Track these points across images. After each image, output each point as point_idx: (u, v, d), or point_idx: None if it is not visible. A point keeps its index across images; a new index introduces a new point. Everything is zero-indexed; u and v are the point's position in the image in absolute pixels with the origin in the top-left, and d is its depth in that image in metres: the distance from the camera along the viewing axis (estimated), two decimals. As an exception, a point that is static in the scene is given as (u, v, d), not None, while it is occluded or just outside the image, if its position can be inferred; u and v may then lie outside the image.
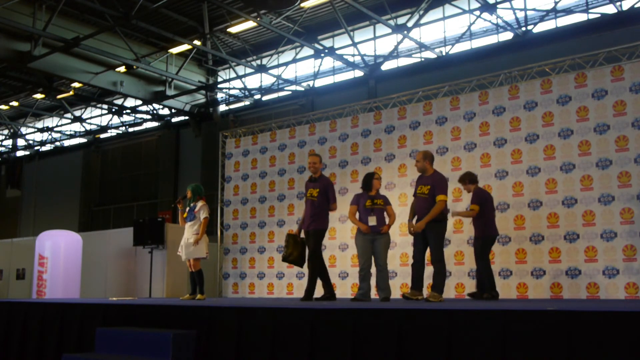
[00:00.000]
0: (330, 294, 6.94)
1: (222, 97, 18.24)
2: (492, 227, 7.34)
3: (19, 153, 25.00)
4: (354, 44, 14.37)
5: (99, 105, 20.53)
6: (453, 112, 8.96)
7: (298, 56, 16.01)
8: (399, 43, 14.21)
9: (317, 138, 10.38)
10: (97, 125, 21.70)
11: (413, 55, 14.60)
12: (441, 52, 13.95)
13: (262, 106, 17.22)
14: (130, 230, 11.20)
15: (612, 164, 7.58)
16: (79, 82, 15.76)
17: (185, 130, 19.23)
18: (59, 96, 18.96)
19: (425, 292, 6.67)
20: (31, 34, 13.69)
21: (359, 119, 9.96)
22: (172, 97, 17.43)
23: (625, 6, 11.74)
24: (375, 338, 4.05)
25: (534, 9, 12.87)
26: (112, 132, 21.72)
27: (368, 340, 4.07)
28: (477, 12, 13.19)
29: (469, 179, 7.53)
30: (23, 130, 23.86)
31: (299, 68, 16.81)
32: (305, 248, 7.08)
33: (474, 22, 13.48)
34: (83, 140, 22.69)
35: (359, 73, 15.17)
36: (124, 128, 21.19)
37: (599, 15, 11.99)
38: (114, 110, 20.29)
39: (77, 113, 21.34)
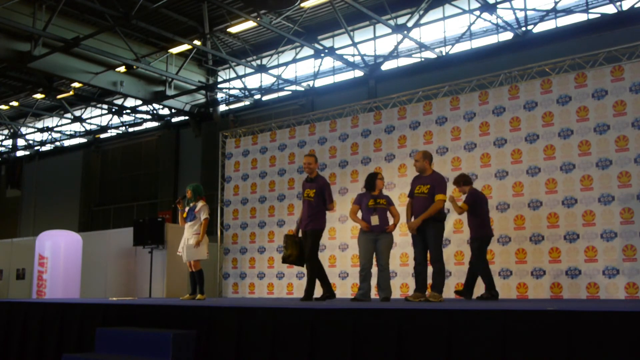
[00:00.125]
0: (330, 293, 6.95)
1: (222, 97, 18.24)
2: (487, 227, 7.36)
3: (19, 153, 25.00)
4: (354, 44, 14.37)
5: (99, 105, 20.53)
6: (453, 112, 8.96)
7: (298, 56, 16.01)
8: (399, 43, 14.21)
9: (317, 138, 10.38)
10: (97, 125, 21.70)
11: (413, 55, 14.60)
12: (441, 52, 13.95)
13: (262, 106, 17.22)
14: (130, 230, 11.20)
15: (612, 164, 7.58)
16: (79, 82, 15.76)
17: (185, 130, 19.23)
18: (59, 96, 18.95)
19: (426, 292, 6.67)
20: (31, 34, 13.69)
21: (359, 119, 9.96)
22: (172, 97, 17.43)
23: (625, 6, 11.74)
24: (375, 338, 4.05)
25: (534, 9, 12.87)
26: (112, 132, 21.72)
27: (368, 340, 4.07)
28: (477, 12, 13.19)
29: (463, 181, 7.55)
30: (23, 130, 23.86)
31: (299, 68, 16.81)
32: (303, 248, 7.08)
33: (474, 22, 13.47)
34: (83, 140, 22.69)
35: (359, 73, 15.17)
36: (124, 128, 21.18)
37: (599, 15, 11.98)
38: (114, 110, 20.29)
39: (77, 113, 21.34)
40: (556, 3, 12.42)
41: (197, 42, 15.21)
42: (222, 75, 18.34)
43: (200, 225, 8.09)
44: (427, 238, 6.31)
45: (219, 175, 11.66)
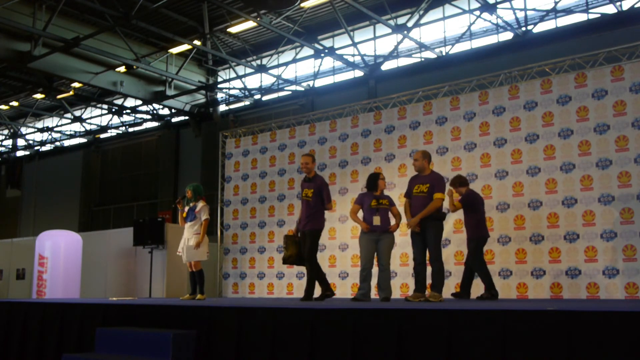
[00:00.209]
0: (329, 291, 6.95)
1: (222, 97, 18.24)
2: (483, 228, 7.38)
3: (19, 153, 25.00)
4: (354, 44, 14.37)
5: (99, 105, 20.53)
6: (453, 112, 8.96)
7: (298, 56, 16.00)
8: (399, 43, 14.21)
9: (317, 138, 10.38)
10: (97, 125, 21.70)
11: (413, 55, 14.60)
12: (441, 52, 13.95)
13: (262, 106, 17.22)
14: (130, 230, 11.20)
15: (612, 164, 7.58)
16: (79, 82, 15.76)
17: (185, 130, 19.23)
18: (59, 96, 18.95)
19: (426, 292, 6.67)
20: (31, 34, 13.68)
21: (359, 119, 9.95)
22: (172, 97, 17.42)
23: (625, 6, 11.73)
24: (375, 338, 4.05)
25: (534, 9, 12.87)
26: (112, 132, 21.71)
27: (368, 340, 4.07)
28: (477, 12, 13.19)
29: (459, 182, 7.57)
30: (23, 130, 23.85)
31: (299, 68, 16.81)
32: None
33: (474, 22, 13.47)
34: (83, 140, 22.68)
35: (359, 73, 15.17)
36: (124, 128, 21.18)
37: (599, 15, 11.98)
38: (114, 110, 20.28)
39: (77, 113, 21.34)
40: (556, 3, 12.42)
41: (197, 42, 15.21)
42: (222, 75, 18.34)
43: (201, 225, 8.09)
44: (427, 237, 6.32)
45: (219, 175, 11.66)
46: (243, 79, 17.06)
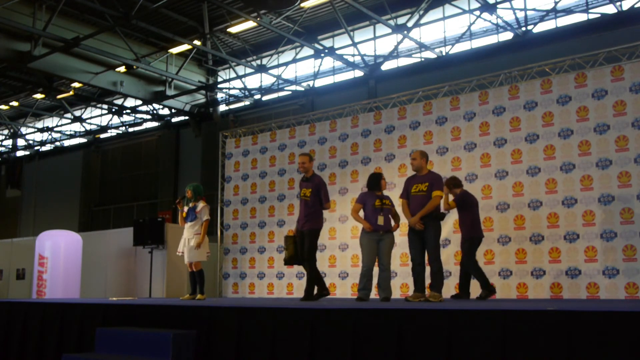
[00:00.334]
0: (325, 290, 6.95)
1: (222, 97, 18.24)
2: (477, 229, 7.39)
3: (19, 153, 25.00)
4: (354, 44, 14.36)
5: (99, 105, 20.53)
6: (453, 112, 8.96)
7: (298, 56, 16.00)
8: (399, 43, 14.20)
9: (317, 138, 10.38)
10: (97, 125, 21.70)
11: (413, 55, 14.60)
12: (441, 52, 13.95)
13: (262, 106, 17.22)
14: (130, 230, 11.20)
15: (612, 164, 7.58)
16: (79, 82, 15.76)
17: (185, 130, 19.23)
18: (59, 96, 18.95)
19: (425, 292, 6.67)
20: (31, 34, 13.68)
21: (359, 119, 9.95)
22: (172, 97, 17.42)
23: (625, 6, 11.73)
24: (375, 338, 4.05)
25: (534, 9, 12.86)
26: (112, 132, 21.71)
27: (368, 340, 4.07)
28: (477, 12, 13.19)
29: (453, 184, 7.59)
30: (23, 130, 23.85)
31: (299, 68, 16.81)
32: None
33: (474, 22, 13.47)
34: (83, 140, 22.68)
35: (359, 73, 15.17)
36: (124, 128, 21.18)
37: (599, 15, 11.98)
38: (114, 110, 20.28)
39: (77, 113, 21.34)
40: (556, 3, 12.42)
41: (197, 42, 15.21)
42: (222, 75, 18.34)
43: (201, 225, 8.10)
44: (426, 237, 6.31)
45: (219, 175, 11.66)
46: (243, 79, 17.06)
